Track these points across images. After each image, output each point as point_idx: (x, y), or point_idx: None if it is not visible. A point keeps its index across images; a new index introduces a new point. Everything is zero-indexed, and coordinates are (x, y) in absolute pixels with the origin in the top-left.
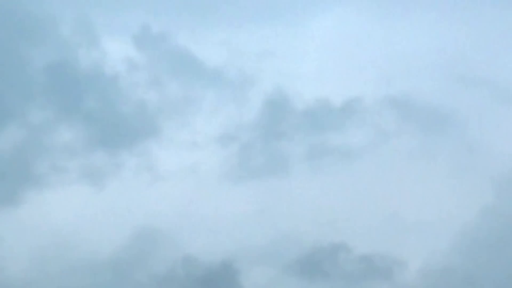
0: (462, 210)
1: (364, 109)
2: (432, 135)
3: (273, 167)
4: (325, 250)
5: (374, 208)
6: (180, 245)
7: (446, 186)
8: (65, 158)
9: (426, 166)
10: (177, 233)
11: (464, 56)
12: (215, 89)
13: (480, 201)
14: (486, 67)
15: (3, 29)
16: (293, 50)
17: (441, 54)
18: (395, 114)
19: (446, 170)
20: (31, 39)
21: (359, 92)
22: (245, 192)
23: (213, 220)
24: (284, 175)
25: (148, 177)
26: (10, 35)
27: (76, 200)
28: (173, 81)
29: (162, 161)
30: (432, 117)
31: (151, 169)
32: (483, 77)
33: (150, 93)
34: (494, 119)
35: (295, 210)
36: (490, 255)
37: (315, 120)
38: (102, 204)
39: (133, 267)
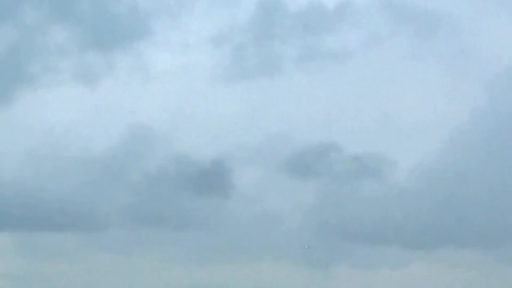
0: (454, 111)
1: (358, 12)
2: (426, 37)
3: (265, 68)
4: (316, 150)
5: (366, 109)
6: (172, 144)
7: (439, 88)
8: (58, 58)
9: (419, 68)
10: (169, 132)
11: None
12: None
13: (472, 102)
14: None
15: None
16: None
17: None
18: (389, 16)
19: (439, 72)
20: None
21: None
22: (237, 93)
23: (205, 120)
24: (276, 76)
25: (140, 78)
26: None
27: (68, 100)
28: None
29: (154, 61)
30: (425, 20)
31: (143, 70)
32: None
33: None
34: (487, 23)
35: (287, 111)
36: (481, 155)
37: (308, 22)
38: (94, 103)
39: (125, 166)
